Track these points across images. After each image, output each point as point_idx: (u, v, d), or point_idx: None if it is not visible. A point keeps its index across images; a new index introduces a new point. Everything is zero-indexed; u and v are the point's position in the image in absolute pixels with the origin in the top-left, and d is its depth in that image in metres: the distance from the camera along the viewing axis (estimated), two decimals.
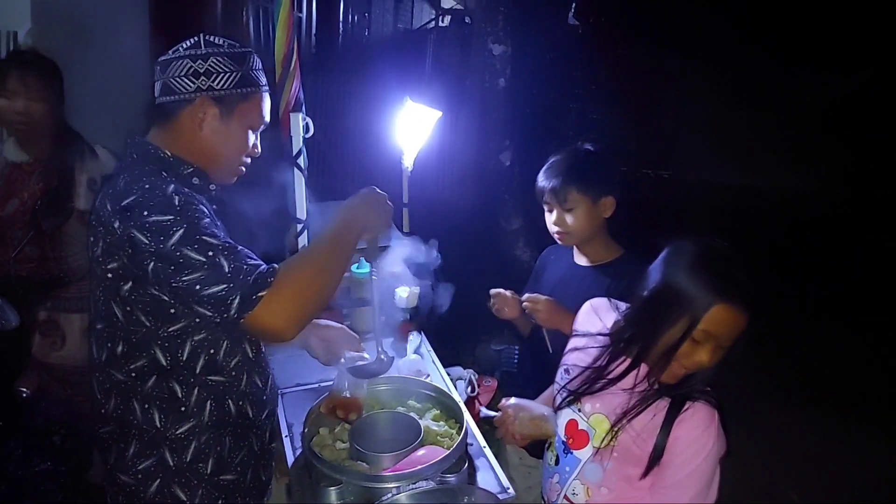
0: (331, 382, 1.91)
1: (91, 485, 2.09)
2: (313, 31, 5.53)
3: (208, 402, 1.45)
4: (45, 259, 2.26)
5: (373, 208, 1.52)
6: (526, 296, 1.98)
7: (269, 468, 1.65)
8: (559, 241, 2.05)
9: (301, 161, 2.07)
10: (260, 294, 1.27)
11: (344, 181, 2.34)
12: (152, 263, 1.29)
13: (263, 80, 1.54)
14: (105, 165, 2.30)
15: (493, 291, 2.06)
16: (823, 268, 6.34)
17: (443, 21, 8.01)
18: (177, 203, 1.31)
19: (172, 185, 1.35)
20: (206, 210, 1.36)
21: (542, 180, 2.00)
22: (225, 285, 1.27)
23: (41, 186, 2.25)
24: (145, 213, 1.29)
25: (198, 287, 1.27)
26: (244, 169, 1.57)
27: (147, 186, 1.33)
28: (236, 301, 1.27)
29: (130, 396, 1.43)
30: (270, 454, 1.66)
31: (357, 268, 2.27)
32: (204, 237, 1.30)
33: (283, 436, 1.79)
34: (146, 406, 1.43)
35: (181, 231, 1.28)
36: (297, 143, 2.05)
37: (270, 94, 1.56)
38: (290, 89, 2.02)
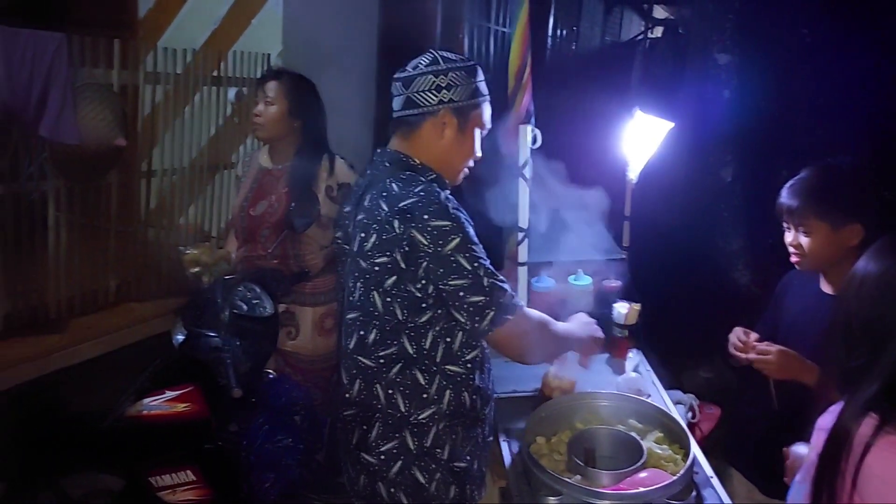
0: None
1: (319, 463, 2.29)
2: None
3: (447, 390, 1.55)
4: (287, 257, 2.51)
5: (587, 339, 1.80)
6: (754, 350, 1.80)
7: (487, 461, 1.71)
8: (795, 265, 1.88)
9: (526, 171, 2.10)
10: (508, 316, 1.48)
11: (565, 192, 2.35)
12: (425, 263, 1.45)
13: (486, 89, 1.67)
14: (341, 175, 2.50)
15: (735, 339, 1.91)
16: None
17: (652, 32, 7.78)
18: (450, 210, 1.48)
19: (443, 193, 1.49)
20: (468, 219, 1.50)
21: (783, 197, 1.85)
22: (484, 297, 1.46)
23: (286, 191, 2.50)
24: (425, 216, 1.45)
25: (461, 294, 1.45)
26: (468, 171, 1.71)
27: (422, 192, 1.49)
28: (491, 315, 1.47)
29: (375, 382, 1.55)
30: (489, 448, 1.72)
31: (575, 279, 2.26)
32: (473, 247, 1.48)
33: (503, 440, 1.82)
34: (390, 391, 1.54)
35: (458, 238, 1.45)
36: (525, 154, 2.09)
37: (503, 106, 1.65)
38: (521, 101, 2.08)
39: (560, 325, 1.71)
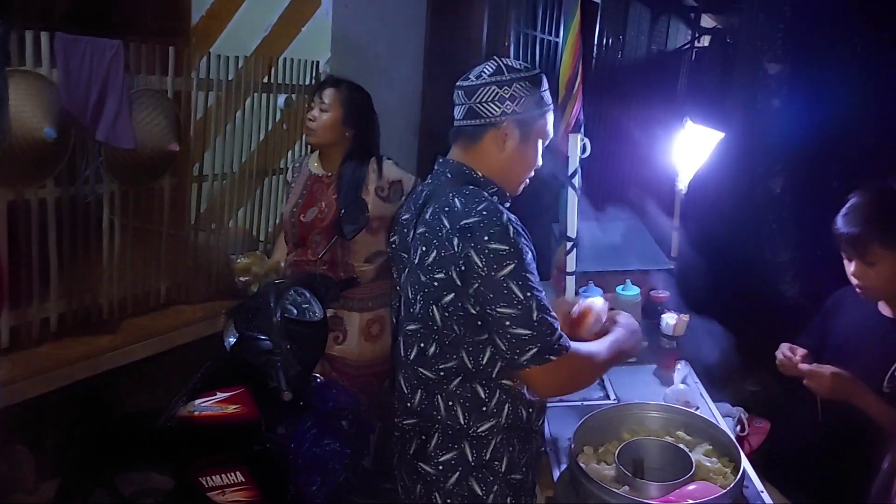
0: (594, 402, 1.92)
1: (366, 469, 2.30)
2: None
3: (506, 404, 1.54)
4: (336, 263, 2.54)
5: (634, 343, 1.70)
6: (806, 369, 1.78)
7: (539, 473, 1.71)
8: (860, 294, 1.83)
9: (576, 181, 2.10)
10: (551, 357, 1.41)
11: (608, 201, 2.35)
12: (477, 284, 1.42)
13: (550, 98, 1.62)
14: (390, 174, 2.55)
15: (781, 356, 1.90)
16: None
17: (699, 41, 7.69)
18: (511, 233, 1.43)
19: (506, 213, 1.46)
20: (529, 243, 1.47)
21: (841, 226, 1.79)
22: (531, 332, 1.40)
23: (335, 197, 2.53)
24: (485, 238, 1.41)
25: (507, 323, 1.40)
26: (527, 182, 1.67)
27: (484, 211, 1.45)
28: (533, 351, 1.40)
29: (436, 393, 1.55)
30: (542, 459, 1.71)
31: (623, 289, 2.24)
32: (528, 275, 1.42)
33: (548, 449, 1.81)
34: (450, 403, 1.54)
35: (513, 265, 1.41)
36: (574, 163, 2.08)
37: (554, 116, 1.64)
38: (571, 111, 2.07)
39: (603, 350, 1.58)
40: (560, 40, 2.05)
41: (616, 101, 5.33)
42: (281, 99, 3.13)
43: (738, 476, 1.55)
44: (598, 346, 1.58)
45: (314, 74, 3.25)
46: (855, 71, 4.86)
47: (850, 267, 1.79)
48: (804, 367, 1.81)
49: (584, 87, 2.17)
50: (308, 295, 2.10)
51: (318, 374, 2.32)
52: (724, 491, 1.50)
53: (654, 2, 7.30)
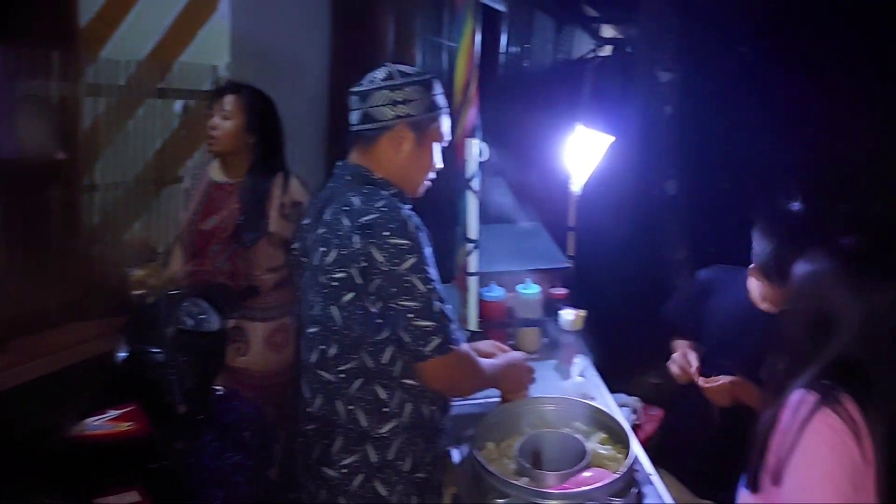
0: (494, 399, 1.96)
1: (271, 481, 2.26)
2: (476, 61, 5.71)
3: (407, 404, 1.56)
4: (236, 273, 2.48)
5: (514, 382, 1.85)
6: (706, 386, 1.87)
7: (445, 470, 1.73)
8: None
9: (475, 184, 2.14)
10: (452, 347, 1.48)
11: (512, 204, 2.42)
12: (378, 280, 1.45)
13: (445, 102, 1.67)
14: (295, 193, 2.48)
15: (677, 368, 1.98)
16: None
17: (602, 51, 7.99)
18: (411, 228, 1.47)
19: (405, 209, 1.51)
20: (428, 239, 1.51)
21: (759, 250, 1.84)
22: (434, 323, 1.46)
23: (238, 206, 2.48)
24: (385, 233, 1.45)
25: (410, 315, 1.45)
26: (429, 184, 1.71)
27: (384, 208, 1.48)
28: (437, 342, 1.46)
29: (336, 397, 1.55)
30: (447, 457, 1.75)
31: (524, 288, 2.30)
32: (428, 268, 1.47)
33: (452, 447, 1.83)
34: (351, 407, 1.55)
35: (414, 259, 1.45)
36: (472, 167, 2.12)
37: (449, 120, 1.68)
38: (466, 115, 2.11)
39: (488, 366, 1.71)
40: (452, 45, 2.08)
41: (522, 108, 5.46)
42: (178, 105, 3.04)
43: (629, 461, 1.62)
44: (483, 362, 1.69)
45: (213, 80, 3.18)
46: (741, 78, 5.17)
47: (759, 289, 1.88)
48: (703, 383, 1.88)
49: (490, 94, 2.22)
50: (205, 305, 2.04)
51: (219, 387, 2.26)
52: (616, 475, 1.57)
53: (558, 12, 7.55)
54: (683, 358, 1.99)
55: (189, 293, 2.08)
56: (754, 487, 1.31)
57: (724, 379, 1.84)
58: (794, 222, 1.89)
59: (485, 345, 1.94)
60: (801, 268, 1.34)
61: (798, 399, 1.25)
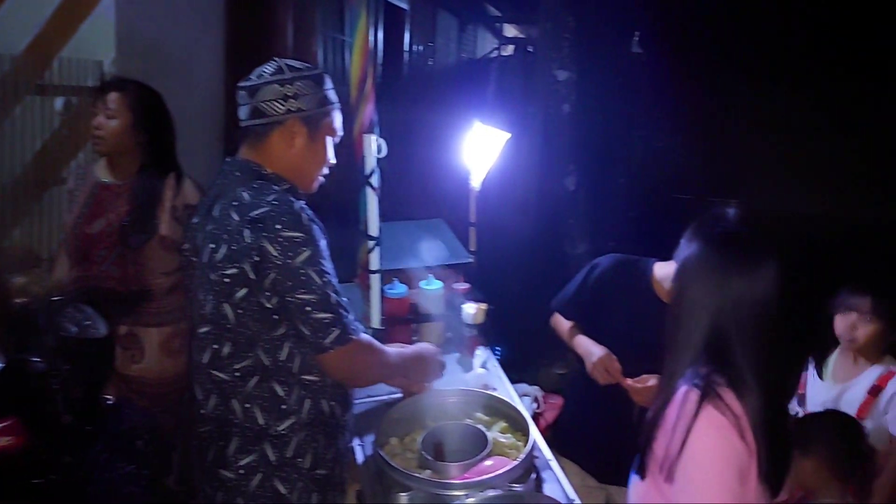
0: (398, 395, 1.97)
1: (169, 489, 2.18)
2: (379, 59, 5.70)
3: (306, 400, 1.54)
4: (127, 278, 2.37)
5: (423, 372, 1.84)
6: (632, 387, 1.87)
7: (348, 467, 1.72)
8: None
9: (374, 180, 2.13)
10: (352, 337, 1.48)
11: (414, 201, 2.43)
12: (273, 274, 1.43)
13: (336, 97, 1.67)
14: (188, 196, 2.39)
15: (604, 372, 1.97)
16: None
17: (505, 50, 8.16)
18: (304, 220, 1.46)
19: (297, 202, 1.49)
20: (322, 232, 1.50)
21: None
22: (331, 315, 1.45)
23: (127, 209, 2.37)
24: (278, 226, 1.43)
25: (308, 308, 1.44)
26: (322, 179, 1.70)
27: (275, 201, 1.46)
28: (336, 333, 1.46)
29: (232, 396, 1.52)
30: (350, 453, 1.74)
31: (426, 284, 2.31)
32: (323, 261, 1.47)
33: (356, 444, 1.83)
34: (247, 405, 1.52)
35: (309, 252, 1.44)
36: (371, 164, 2.12)
37: (346, 116, 1.68)
38: (364, 111, 2.10)
39: (394, 354, 1.71)
40: (349, 41, 2.07)
41: (426, 106, 5.50)
42: (58, 102, 2.87)
43: (528, 448, 1.67)
44: (389, 350, 1.69)
45: (98, 76, 3.02)
46: (634, 78, 5.41)
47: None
48: (629, 383, 1.89)
49: (396, 92, 2.21)
50: (90, 311, 1.93)
51: (109, 396, 2.16)
52: (515, 463, 1.61)
53: (461, 11, 7.64)
54: (607, 362, 1.96)
55: (73, 299, 1.97)
56: (643, 474, 1.36)
57: (652, 380, 1.83)
58: (681, 215, 1.96)
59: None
60: (677, 257, 1.39)
61: (682, 396, 1.28)
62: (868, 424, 2.11)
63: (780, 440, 1.30)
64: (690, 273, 1.34)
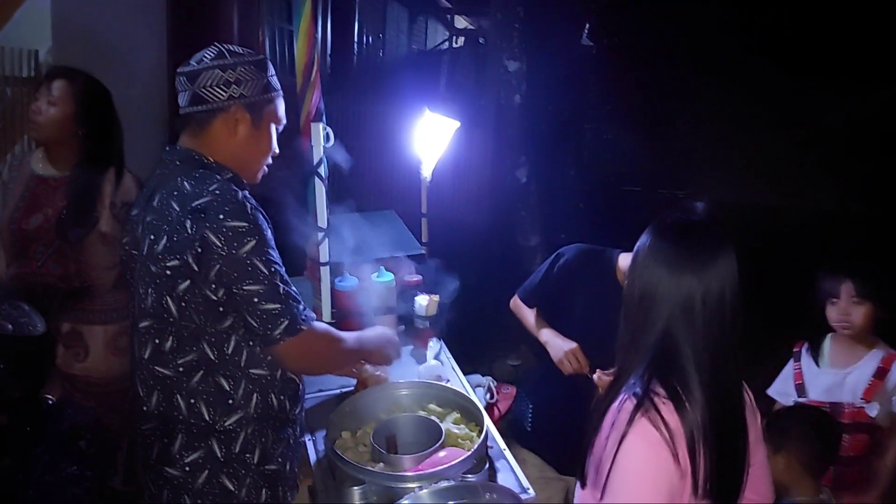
0: (351, 388, 1.95)
1: (115, 490, 2.12)
2: (328, 51, 5.64)
3: (254, 394, 1.51)
4: (67, 274, 2.29)
5: (381, 355, 1.79)
6: (598, 375, 1.85)
7: (299, 462, 1.69)
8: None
9: (322, 170, 2.10)
10: (302, 328, 1.44)
11: (365, 192, 2.40)
12: (217, 266, 1.38)
13: (278, 84, 1.63)
14: (128, 192, 2.31)
15: (569, 359, 1.99)
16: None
17: (456, 42, 8.16)
18: (248, 210, 1.41)
19: (241, 192, 1.44)
20: (267, 222, 1.46)
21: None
22: (280, 305, 1.41)
23: (65, 203, 2.28)
24: (221, 216, 1.38)
25: (255, 299, 1.40)
26: (267, 169, 1.66)
27: (217, 191, 1.42)
28: (285, 324, 1.42)
29: (175, 391, 1.48)
30: (301, 448, 1.71)
31: (378, 276, 2.29)
32: (270, 251, 1.42)
33: (307, 439, 1.80)
34: (192, 400, 1.47)
35: (254, 241, 1.39)
36: (318, 153, 2.08)
37: (292, 105, 1.64)
38: (310, 99, 2.07)
39: (352, 339, 1.67)
40: (294, 28, 2.02)
41: (377, 97, 5.47)
42: None
43: (482, 438, 1.67)
44: (345, 335, 1.64)
45: (34, 65, 2.91)
46: (584, 70, 5.47)
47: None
48: (600, 377, 1.86)
49: (346, 83, 2.18)
50: (26, 308, 1.86)
51: (50, 396, 2.09)
52: (469, 453, 1.61)
53: (412, 2, 7.60)
54: (576, 355, 1.98)
55: (9, 296, 1.89)
56: (583, 481, 1.27)
57: None
58: (631, 207, 1.99)
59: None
60: (636, 248, 1.32)
61: (618, 405, 1.20)
62: (874, 407, 2.15)
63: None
64: (641, 265, 1.27)
